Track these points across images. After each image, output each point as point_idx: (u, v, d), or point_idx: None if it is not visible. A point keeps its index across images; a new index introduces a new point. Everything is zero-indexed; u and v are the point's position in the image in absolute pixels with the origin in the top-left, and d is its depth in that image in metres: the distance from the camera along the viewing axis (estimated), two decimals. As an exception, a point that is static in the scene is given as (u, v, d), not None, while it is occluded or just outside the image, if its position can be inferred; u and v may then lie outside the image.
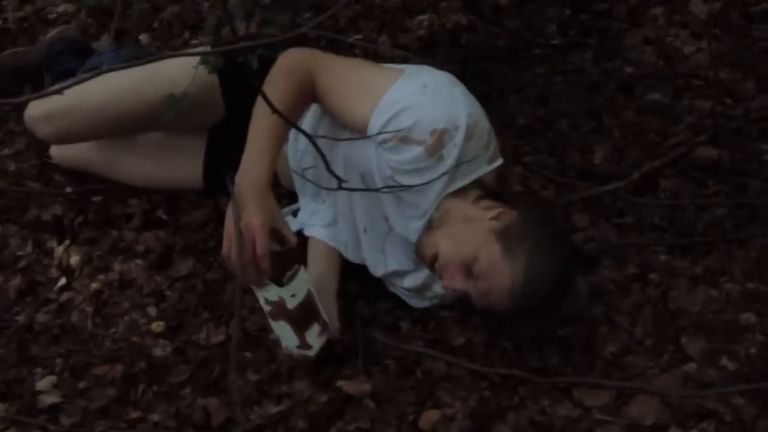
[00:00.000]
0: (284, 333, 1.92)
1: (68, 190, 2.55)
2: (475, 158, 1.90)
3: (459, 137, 1.85)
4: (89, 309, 2.23)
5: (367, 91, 1.92)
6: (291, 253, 1.85)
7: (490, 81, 2.76)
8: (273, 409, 1.95)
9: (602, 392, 1.91)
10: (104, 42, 3.09)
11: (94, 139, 2.45)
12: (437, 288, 2.10)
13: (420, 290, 2.12)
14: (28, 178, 2.63)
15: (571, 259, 1.93)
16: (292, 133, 2.07)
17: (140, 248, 2.36)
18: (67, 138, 2.40)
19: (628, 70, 2.81)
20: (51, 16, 3.33)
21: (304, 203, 2.27)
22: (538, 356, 2.01)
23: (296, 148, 2.18)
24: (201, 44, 2.91)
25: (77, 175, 2.57)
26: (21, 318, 2.22)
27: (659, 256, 2.20)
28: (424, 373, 2.00)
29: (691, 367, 1.94)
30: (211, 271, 2.28)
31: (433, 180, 1.87)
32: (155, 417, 1.97)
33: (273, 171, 1.87)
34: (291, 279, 1.85)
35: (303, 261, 2.13)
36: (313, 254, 2.19)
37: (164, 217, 2.45)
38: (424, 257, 1.97)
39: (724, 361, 1.95)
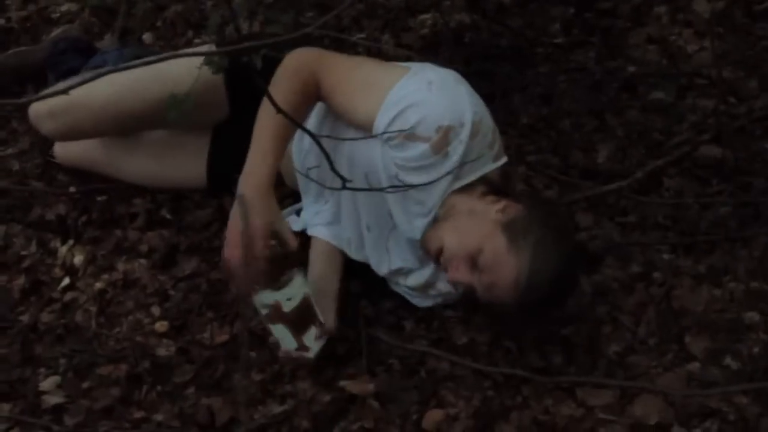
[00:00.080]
0: (282, 336, 1.93)
1: (72, 189, 2.55)
2: (480, 157, 1.90)
3: (464, 134, 1.85)
4: (93, 309, 2.23)
5: (373, 88, 1.92)
6: (287, 257, 1.86)
7: (494, 80, 2.76)
8: (277, 409, 1.96)
9: (605, 392, 1.91)
10: (108, 41, 3.10)
11: (98, 137, 2.45)
12: (441, 286, 2.10)
13: (424, 288, 2.12)
14: (31, 178, 2.63)
15: (575, 253, 1.94)
16: (297, 132, 2.07)
17: (144, 248, 2.36)
18: (70, 135, 2.40)
19: (632, 69, 2.80)
20: (54, 16, 3.33)
21: (307, 203, 2.27)
22: (542, 356, 2.01)
23: (300, 147, 2.18)
24: (204, 43, 2.91)
25: (81, 174, 2.58)
26: (25, 318, 2.23)
27: (663, 255, 2.20)
28: (427, 373, 2.00)
29: (694, 366, 1.94)
30: (215, 271, 2.27)
31: (439, 179, 1.87)
32: (159, 417, 1.97)
33: (276, 173, 1.88)
34: (287, 283, 1.86)
35: (305, 261, 2.14)
36: (316, 254, 2.19)
37: (168, 216, 2.45)
38: (428, 251, 1.97)
39: (728, 360, 1.95)
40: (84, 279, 2.31)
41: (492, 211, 1.89)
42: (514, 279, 1.83)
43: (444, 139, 1.84)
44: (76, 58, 2.74)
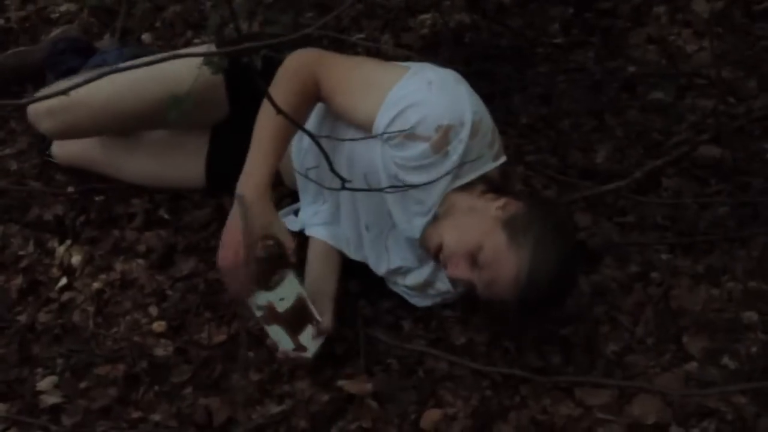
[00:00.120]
0: (279, 337, 1.93)
1: (70, 189, 2.55)
2: (480, 156, 1.90)
3: (464, 133, 1.85)
4: (91, 309, 2.23)
5: (372, 88, 1.92)
6: (278, 258, 1.86)
7: (493, 80, 2.76)
8: (275, 409, 1.96)
9: (604, 391, 1.91)
10: (107, 41, 3.10)
11: (97, 135, 2.45)
12: (440, 285, 2.10)
13: (422, 288, 2.12)
14: (29, 178, 2.63)
15: (575, 251, 1.94)
16: (296, 132, 2.07)
17: (142, 248, 2.36)
18: (68, 133, 2.40)
19: (631, 69, 2.80)
20: (53, 16, 3.33)
21: (305, 203, 2.27)
22: (540, 356, 2.00)
23: (299, 147, 2.18)
24: (203, 43, 2.91)
25: (79, 174, 2.58)
26: (22, 318, 2.23)
27: (661, 255, 2.19)
28: (425, 373, 2.00)
29: (692, 366, 1.94)
30: (213, 271, 2.27)
31: (439, 179, 1.87)
32: (157, 417, 1.97)
33: (274, 175, 1.89)
34: (279, 283, 1.87)
35: (302, 261, 2.14)
36: (313, 254, 2.19)
37: (166, 216, 2.45)
38: (428, 248, 1.96)
39: (726, 360, 1.95)
40: (82, 279, 2.31)
41: (492, 208, 1.89)
42: (515, 275, 1.82)
43: (444, 138, 1.84)
44: (76, 58, 2.74)
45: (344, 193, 2.09)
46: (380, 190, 1.89)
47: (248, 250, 1.79)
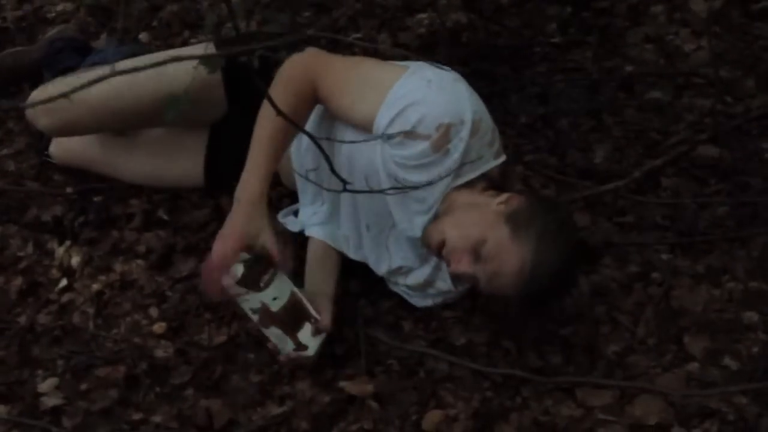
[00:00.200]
0: (278, 339, 1.93)
1: (68, 190, 2.54)
2: (480, 155, 1.90)
3: (465, 132, 1.85)
4: (90, 310, 2.22)
5: (371, 88, 1.92)
6: (264, 258, 1.86)
7: (491, 80, 2.76)
8: (276, 410, 1.95)
9: (605, 392, 1.91)
10: (104, 41, 3.09)
11: (95, 132, 2.44)
12: (440, 284, 2.10)
13: (423, 287, 2.12)
14: (27, 178, 2.62)
15: (577, 246, 1.94)
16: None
17: (141, 249, 2.36)
18: (66, 130, 2.39)
19: (629, 68, 2.80)
20: (50, 15, 3.32)
21: (304, 203, 2.27)
22: (541, 356, 2.01)
23: (299, 148, 2.18)
24: (200, 43, 2.90)
25: (77, 174, 2.57)
26: (22, 319, 2.22)
27: (661, 255, 2.20)
28: (426, 373, 2.00)
29: (693, 366, 1.95)
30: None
31: (441, 180, 1.87)
32: (157, 418, 1.97)
33: (271, 178, 1.92)
34: (269, 283, 1.87)
35: (302, 261, 2.14)
36: (312, 254, 2.19)
37: (165, 217, 2.44)
38: (430, 245, 1.96)
39: (727, 360, 1.95)
40: (81, 280, 2.30)
41: (494, 203, 1.89)
42: (519, 268, 1.82)
43: (444, 137, 1.84)
44: (73, 58, 2.73)
45: (344, 194, 2.09)
46: (381, 191, 1.89)
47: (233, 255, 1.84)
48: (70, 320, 2.21)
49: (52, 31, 3.00)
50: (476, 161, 1.90)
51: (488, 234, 1.84)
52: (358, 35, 3.07)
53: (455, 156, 1.86)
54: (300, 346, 1.93)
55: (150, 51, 2.65)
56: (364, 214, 2.09)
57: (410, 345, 2.06)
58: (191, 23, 3.21)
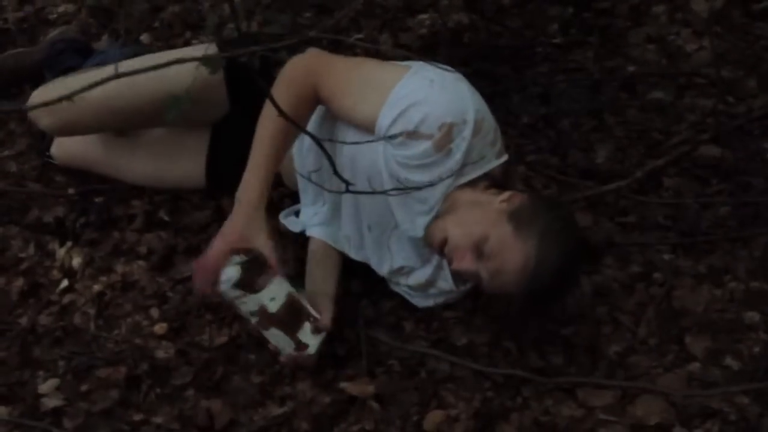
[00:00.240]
0: (278, 340, 1.93)
1: (70, 191, 2.54)
2: (482, 155, 1.90)
3: (467, 131, 1.85)
4: (92, 311, 2.22)
5: (374, 88, 1.93)
6: (260, 261, 1.87)
7: (492, 80, 2.76)
8: (277, 411, 1.95)
9: (606, 392, 1.91)
10: (105, 42, 3.09)
11: (96, 132, 2.44)
12: (442, 284, 2.10)
13: (425, 287, 2.11)
14: (29, 179, 2.62)
15: (579, 244, 1.94)
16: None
17: (142, 250, 2.35)
18: (68, 129, 2.39)
19: (631, 68, 2.80)
20: (51, 17, 3.32)
21: (306, 203, 2.26)
22: (542, 356, 2.01)
23: (301, 148, 2.18)
24: (201, 43, 2.90)
25: (78, 175, 2.57)
26: (23, 320, 2.22)
27: (663, 255, 2.19)
28: (427, 374, 2.00)
29: (695, 366, 1.94)
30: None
31: (443, 180, 1.87)
32: (158, 419, 1.97)
33: (272, 182, 1.93)
34: (265, 284, 1.87)
35: (302, 261, 2.14)
36: (313, 254, 2.19)
37: (166, 218, 2.44)
38: (432, 243, 1.96)
39: (728, 360, 1.95)
40: (82, 281, 2.30)
41: (496, 201, 1.89)
42: (522, 265, 1.82)
43: (447, 136, 1.84)
44: (74, 59, 2.73)
45: (346, 194, 2.09)
46: (384, 192, 1.89)
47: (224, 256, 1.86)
48: (71, 321, 2.20)
49: (53, 33, 3.00)
50: (478, 161, 1.90)
51: (491, 231, 1.84)
52: (360, 36, 3.07)
53: (458, 156, 1.86)
54: (301, 345, 1.93)
55: (151, 52, 2.65)
56: (366, 215, 2.09)
57: (411, 345, 2.06)
58: (193, 24, 3.21)
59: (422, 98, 1.86)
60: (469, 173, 1.91)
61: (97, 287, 2.27)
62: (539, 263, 1.81)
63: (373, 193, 1.91)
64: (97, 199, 2.51)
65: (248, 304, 1.87)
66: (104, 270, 2.32)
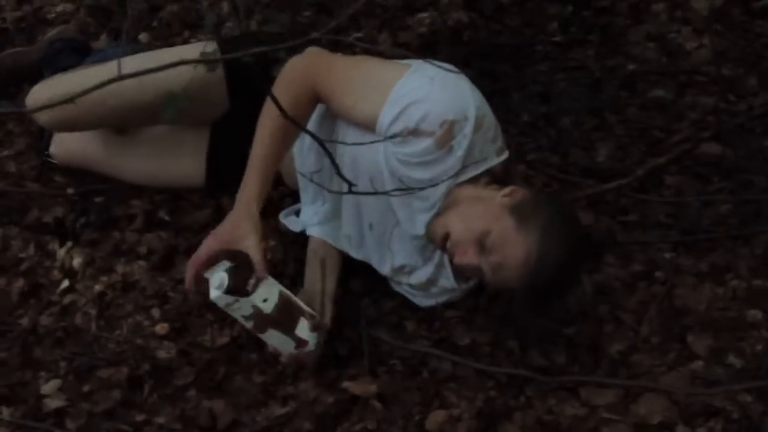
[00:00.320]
0: (277, 341, 1.92)
1: (69, 191, 2.53)
2: (483, 152, 1.91)
3: (468, 128, 1.85)
4: (93, 311, 2.22)
5: (374, 87, 1.93)
6: (248, 264, 1.86)
7: (492, 79, 2.75)
8: (279, 411, 1.95)
9: (609, 391, 1.91)
10: (103, 42, 3.08)
11: (95, 128, 2.43)
12: (444, 282, 2.10)
13: (426, 286, 2.11)
14: (28, 180, 2.61)
15: (581, 238, 1.93)
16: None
17: (143, 250, 2.35)
18: (67, 125, 2.38)
19: (631, 66, 2.80)
20: (49, 16, 3.31)
21: (306, 202, 2.26)
22: (544, 355, 2.00)
23: (301, 148, 2.18)
24: (199, 41, 2.90)
25: (78, 175, 2.56)
26: (24, 321, 2.21)
27: (664, 254, 2.19)
28: (430, 373, 2.00)
29: (697, 364, 1.94)
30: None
31: (446, 180, 1.87)
32: (160, 419, 1.96)
33: (272, 181, 1.95)
34: (256, 286, 1.86)
35: (302, 261, 2.14)
36: (313, 254, 2.18)
37: (166, 218, 2.43)
38: (434, 239, 1.96)
39: (731, 358, 1.95)
40: (83, 281, 2.29)
41: (498, 196, 1.89)
42: (524, 258, 1.82)
43: (448, 133, 1.84)
44: (72, 58, 2.72)
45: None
46: (385, 193, 1.88)
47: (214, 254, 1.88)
48: (72, 322, 2.20)
49: (51, 32, 2.99)
50: (479, 158, 1.90)
51: (493, 225, 1.84)
52: (359, 35, 3.07)
53: (459, 153, 1.86)
54: (301, 342, 1.93)
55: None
56: (367, 214, 2.09)
57: (413, 345, 2.06)
58: (191, 23, 3.20)
59: (423, 96, 1.86)
60: (471, 170, 1.91)
61: (97, 287, 2.27)
62: (541, 257, 1.81)
63: (375, 193, 1.90)
64: (97, 199, 2.51)
65: (242, 308, 1.86)
66: (105, 270, 2.32)
